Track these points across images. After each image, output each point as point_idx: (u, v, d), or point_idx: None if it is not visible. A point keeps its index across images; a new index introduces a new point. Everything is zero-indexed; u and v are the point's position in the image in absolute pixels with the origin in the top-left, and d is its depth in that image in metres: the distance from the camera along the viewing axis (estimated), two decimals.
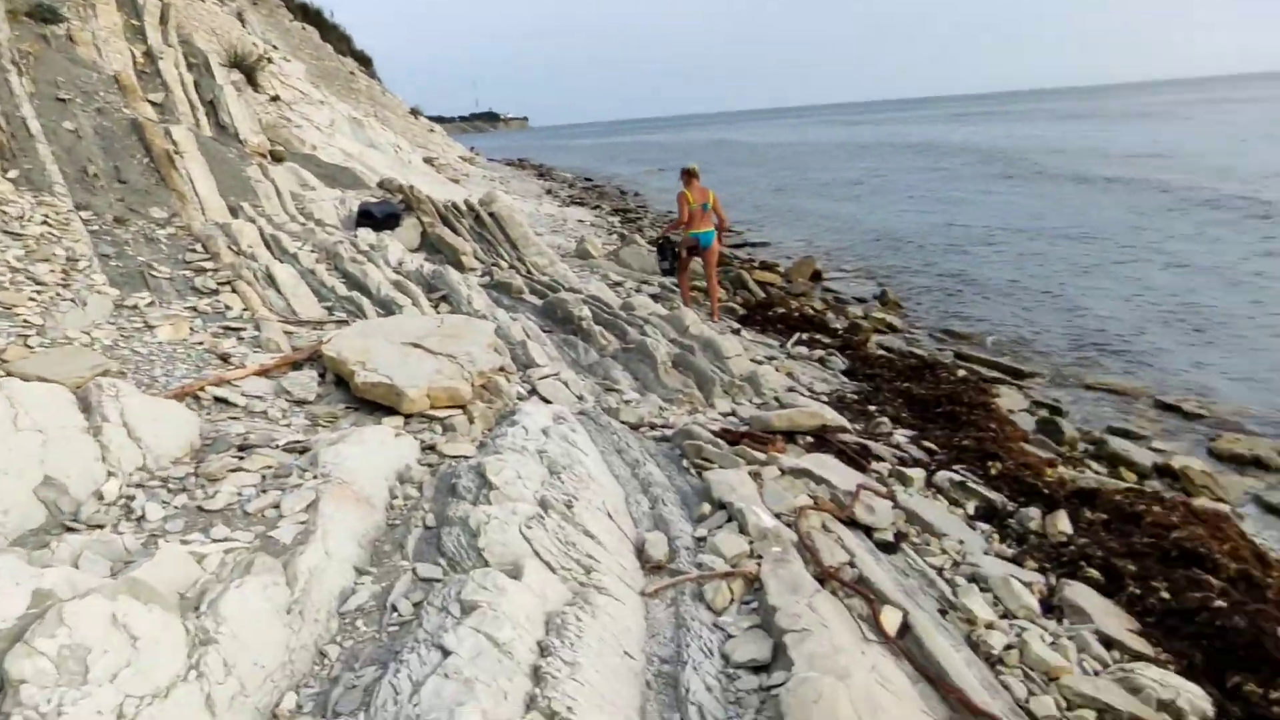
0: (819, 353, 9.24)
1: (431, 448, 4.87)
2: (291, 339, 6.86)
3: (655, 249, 11.40)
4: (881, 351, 9.76)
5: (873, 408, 7.21)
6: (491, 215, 12.11)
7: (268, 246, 8.85)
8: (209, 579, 2.88)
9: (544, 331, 8.19)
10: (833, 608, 3.31)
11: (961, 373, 8.73)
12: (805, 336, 9.93)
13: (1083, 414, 8.24)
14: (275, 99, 17.54)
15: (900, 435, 6.54)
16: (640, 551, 3.91)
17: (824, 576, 3.63)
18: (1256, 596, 3.64)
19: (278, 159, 13.00)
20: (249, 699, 2.60)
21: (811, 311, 11.30)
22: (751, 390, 7.18)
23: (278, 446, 4.47)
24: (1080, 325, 11.40)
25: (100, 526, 3.46)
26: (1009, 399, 8.27)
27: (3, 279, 6.15)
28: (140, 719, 2.29)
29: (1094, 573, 4.13)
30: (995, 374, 9.31)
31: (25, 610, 2.43)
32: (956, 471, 5.61)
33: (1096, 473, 6.37)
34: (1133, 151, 34.17)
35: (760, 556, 3.80)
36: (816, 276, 14.65)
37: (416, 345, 5.91)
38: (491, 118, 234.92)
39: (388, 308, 7.93)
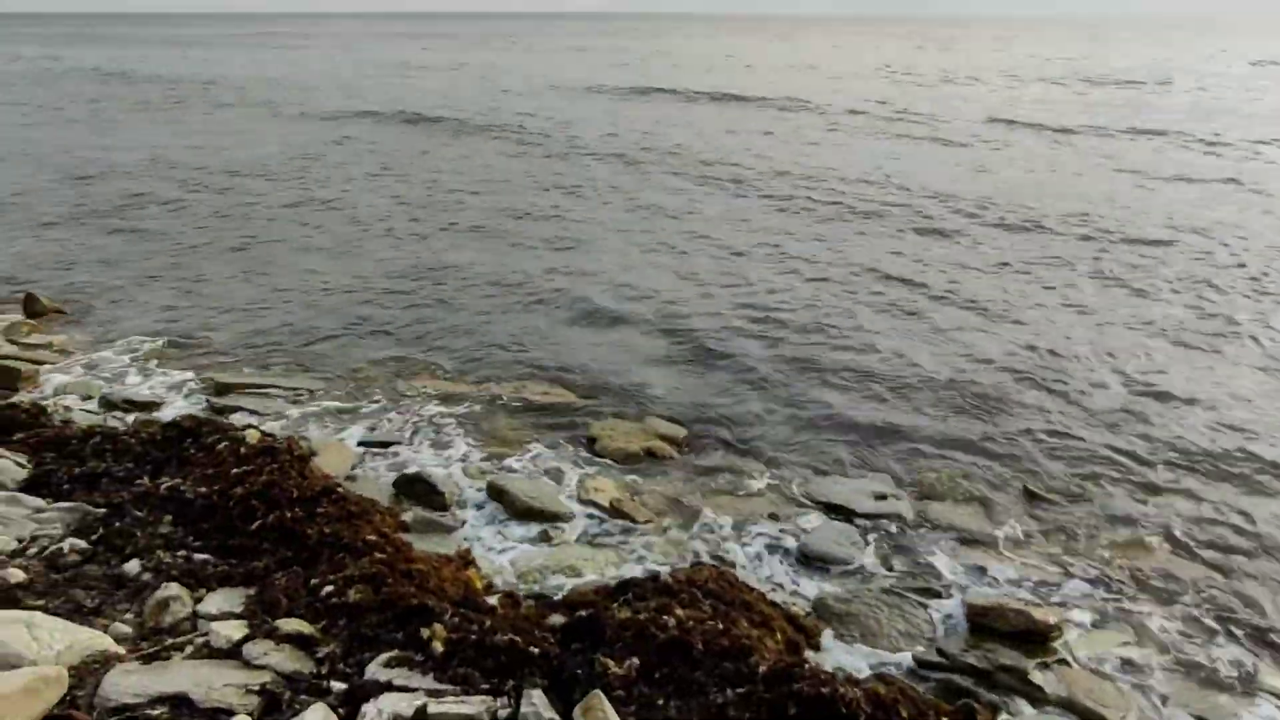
0: None
1: None
2: None
3: None
4: (84, 414, 6.09)
5: (117, 562, 3.90)
6: None
7: None
8: None
9: None
10: None
11: (251, 432, 5.20)
12: None
13: (434, 437, 6.18)
14: None
15: (212, 606, 3.57)
16: None
17: None
18: None
19: None
20: None
21: None
22: None
23: None
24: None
25: None
26: (331, 455, 5.54)
27: None
28: None
29: None
30: (276, 411, 6.52)
31: None
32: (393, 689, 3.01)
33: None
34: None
35: None
36: None
37: None
38: None
39: None
